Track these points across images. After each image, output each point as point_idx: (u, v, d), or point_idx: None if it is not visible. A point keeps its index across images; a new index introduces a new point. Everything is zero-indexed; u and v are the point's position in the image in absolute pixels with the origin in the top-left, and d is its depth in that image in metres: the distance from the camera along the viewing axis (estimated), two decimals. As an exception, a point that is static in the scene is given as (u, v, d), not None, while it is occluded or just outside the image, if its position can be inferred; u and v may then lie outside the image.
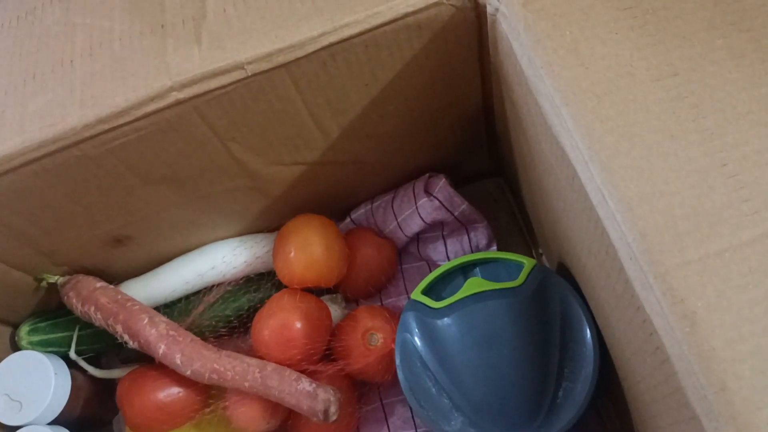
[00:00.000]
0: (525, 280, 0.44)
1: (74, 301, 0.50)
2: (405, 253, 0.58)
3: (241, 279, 0.54)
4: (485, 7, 0.38)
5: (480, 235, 0.55)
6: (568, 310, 0.43)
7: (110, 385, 0.54)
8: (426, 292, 0.46)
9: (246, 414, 0.47)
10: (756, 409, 0.26)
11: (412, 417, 0.52)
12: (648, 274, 0.29)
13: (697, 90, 0.33)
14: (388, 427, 0.53)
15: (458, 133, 0.52)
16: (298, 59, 0.39)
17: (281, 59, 0.38)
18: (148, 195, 0.46)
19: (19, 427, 0.49)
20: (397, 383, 0.44)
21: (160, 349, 0.47)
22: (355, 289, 0.56)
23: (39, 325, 0.53)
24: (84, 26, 0.43)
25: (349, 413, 0.49)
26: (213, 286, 0.54)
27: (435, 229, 0.56)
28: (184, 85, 0.38)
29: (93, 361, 0.54)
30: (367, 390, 0.53)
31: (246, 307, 0.54)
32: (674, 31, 0.35)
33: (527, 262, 0.45)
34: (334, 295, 0.56)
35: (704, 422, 0.27)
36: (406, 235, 0.55)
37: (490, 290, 0.44)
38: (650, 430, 0.37)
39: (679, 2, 0.35)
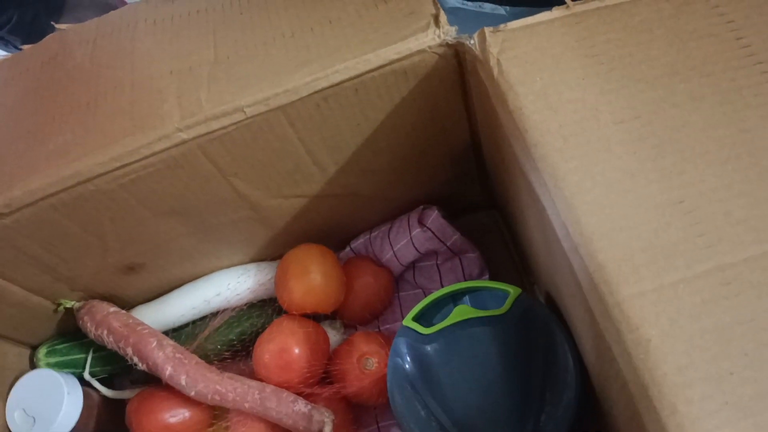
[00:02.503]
0: (510, 308, 0.46)
1: (88, 324, 0.53)
2: (401, 281, 0.61)
3: (245, 305, 0.57)
4: (465, 54, 0.41)
5: (472, 265, 0.57)
6: (550, 337, 0.45)
7: (122, 405, 0.57)
8: (417, 318, 0.48)
9: (246, 434, 0.50)
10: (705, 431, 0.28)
11: (407, 440, 0.54)
12: (606, 304, 0.31)
13: (658, 132, 0.35)
14: (383, 449, 0.54)
15: (449, 168, 0.54)
16: (293, 102, 0.42)
17: (277, 102, 0.41)
18: (158, 226, 0.49)
19: None
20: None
21: (167, 371, 0.50)
22: (353, 315, 0.58)
23: (56, 347, 0.56)
24: (101, 72, 0.47)
25: (345, 435, 0.52)
26: (218, 311, 0.57)
27: (429, 258, 0.59)
28: (188, 126, 0.42)
29: (106, 383, 0.57)
30: (363, 413, 0.55)
31: (249, 332, 0.57)
32: (638, 77, 0.37)
33: (512, 291, 0.47)
34: (333, 321, 0.58)
35: (657, 443, 0.29)
36: (402, 264, 0.58)
37: (476, 317, 0.46)
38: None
39: (644, 49, 0.38)
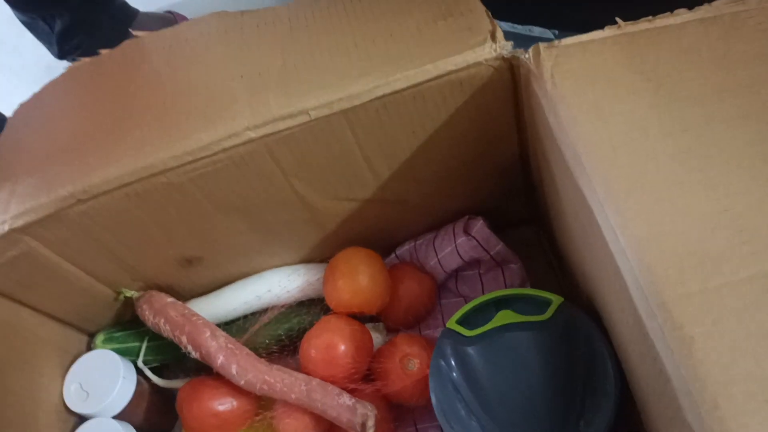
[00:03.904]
0: (552, 315, 0.47)
1: (147, 313, 0.56)
2: (444, 289, 0.63)
3: (294, 303, 0.60)
4: (519, 67, 0.43)
5: (514, 275, 0.59)
6: (591, 345, 0.46)
7: (169, 394, 0.59)
8: (460, 321, 0.50)
9: (292, 424, 0.52)
10: (744, 427, 0.29)
11: (444, 442, 0.55)
12: (652, 304, 0.33)
13: (705, 145, 0.37)
14: (420, 450, 0.56)
15: (496, 180, 0.56)
16: (354, 107, 0.44)
17: (340, 107, 0.44)
18: (219, 221, 0.52)
19: (84, 416, 0.55)
20: (432, 409, 0.47)
21: (219, 360, 0.52)
22: (396, 318, 0.60)
23: (113, 334, 0.59)
24: (176, 75, 0.50)
25: (384, 431, 0.53)
26: (268, 308, 0.59)
27: (472, 268, 0.60)
28: (257, 126, 0.45)
29: (157, 372, 0.60)
30: (403, 413, 0.57)
31: (296, 329, 0.59)
32: (686, 93, 0.39)
33: (555, 299, 0.48)
34: (377, 324, 0.60)
35: (699, 438, 0.30)
36: (445, 272, 0.59)
37: (519, 322, 0.48)
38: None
39: (692, 68, 0.40)
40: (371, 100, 0.44)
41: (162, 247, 0.53)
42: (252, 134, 0.45)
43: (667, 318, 0.32)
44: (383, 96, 0.44)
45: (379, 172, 0.51)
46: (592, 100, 0.39)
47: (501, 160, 0.54)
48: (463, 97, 0.46)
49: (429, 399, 0.48)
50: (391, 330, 0.61)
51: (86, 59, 0.56)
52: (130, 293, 0.57)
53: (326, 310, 0.58)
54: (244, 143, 0.45)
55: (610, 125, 0.38)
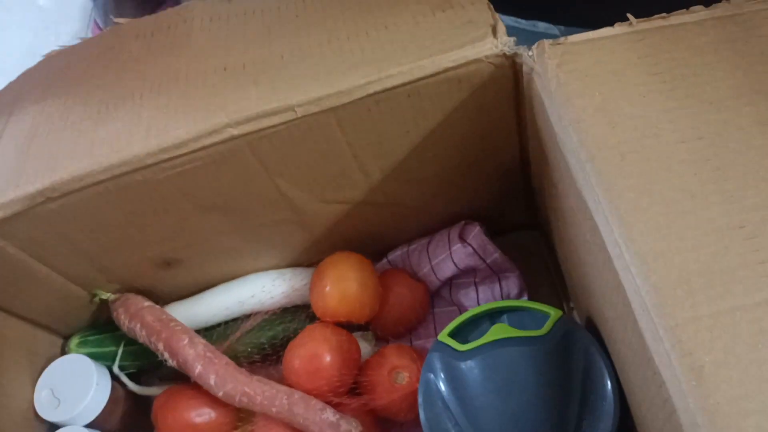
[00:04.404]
0: (549, 330, 0.45)
1: (122, 317, 0.53)
2: (437, 297, 0.60)
3: (279, 309, 0.57)
4: (522, 65, 0.40)
5: (511, 284, 0.56)
6: (590, 363, 0.43)
7: (146, 401, 0.57)
8: (453, 334, 0.47)
9: (271, 439, 0.49)
10: (759, 466, 0.27)
11: (433, 459, 0.53)
12: (658, 327, 0.30)
13: (721, 153, 0.34)
14: (408, 467, 0.53)
15: (495, 184, 0.54)
16: (344, 104, 0.41)
17: (329, 103, 0.41)
18: (200, 221, 0.49)
19: (55, 424, 0.52)
20: (420, 425, 0.45)
21: (197, 369, 0.49)
22: (386, 327, 0.57)
23: (88, 338, 0.57)
24: (155, 65, 0.47)
25: (370, 448, 0.50)
26: (251, 314, 0.56)
27: (467, 276, 0.58)
28: (238, 122, 0.42)
29: (134, 378, 0.57)
30: (390, 428, 0.54)
31: (280, 337, 0.56)
32: (702, 97, 0.36)
33: (553, 313, 0.46)
34: (365, 333, 0.57)
35: (707, 476, 0.28)
36: (439, 279, 0.57)
37: (514, 337, 0.45)
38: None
39: (708, 70, 0.37)
40: (362, 97, 0.41)
41: (139, 248, 0.50)
42: (234, 131, 0.42)
43: (675, 343, 0.30)
44: (375, 93, 0.41)
45: (371, 173, 0.49)
46: (600, 102, 0.36)
47: (500, 163, 0.51)
48: (461, 96, 0.43)
49: (418, 415, 0.45)
50: (381, 339, 0.58)
51: (64, 47, 0.54)
52: (105, 295, 0.55)
53: (312, 317, 0.56)
54: (225, 141, 0.42)
55: (618, 130, 0.35)
